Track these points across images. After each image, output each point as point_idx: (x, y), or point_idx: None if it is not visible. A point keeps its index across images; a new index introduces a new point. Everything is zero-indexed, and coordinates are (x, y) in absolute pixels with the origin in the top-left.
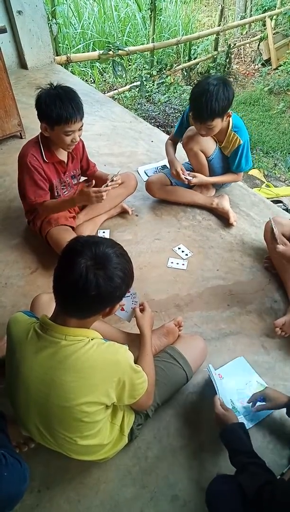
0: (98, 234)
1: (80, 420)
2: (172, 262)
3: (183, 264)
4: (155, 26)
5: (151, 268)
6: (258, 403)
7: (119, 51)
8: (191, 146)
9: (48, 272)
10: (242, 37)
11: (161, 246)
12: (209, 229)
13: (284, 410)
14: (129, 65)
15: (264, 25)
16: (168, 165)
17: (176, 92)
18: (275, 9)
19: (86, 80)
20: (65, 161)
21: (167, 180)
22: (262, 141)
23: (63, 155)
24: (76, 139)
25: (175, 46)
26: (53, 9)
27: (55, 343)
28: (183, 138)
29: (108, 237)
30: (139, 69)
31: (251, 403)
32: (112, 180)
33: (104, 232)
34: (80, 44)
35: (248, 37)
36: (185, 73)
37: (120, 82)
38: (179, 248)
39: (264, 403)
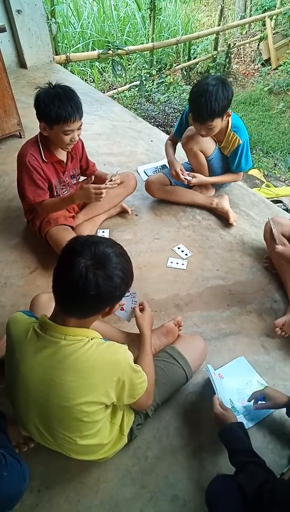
0: (98, 234)
1: (80, 419)
2: (171, 262)
3: (182, 264)
4: (155, 26)
5: (151, 268)
6: (259, 402)
7: (119, 50)
8: (190, 146)
9: (47, 271)
10: (242, 37)
11: (160, 246)
12: (209, 229)
13: (284, 410)
14: (129, 64)
15: (264, 25)
16: (167, 165)
17: (176, 91)
18: (275, 9)
19: (85, 80)
20: (64, 160)
21: (166, 180)
22: (262, 141)
23: (62, 155)
24: (75, 138)
25: (174, 46)
26: (52, 8)
27: (55, 342)
28: (183, 138)
29: (107, 236)
30: (139, 69)
31: (251, 402)
32: (111, 180)
33: (103, 231)
34: (79, 43)
35: (248, 37)
36: (185, 73)
37: (119, 81)
38: (178, 248)
39: (264, 402)
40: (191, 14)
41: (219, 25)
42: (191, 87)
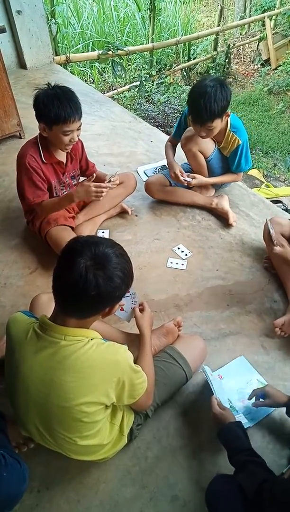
0: (98, 234)
1: (80, 420)
2: (171, 262)
3: (182, 264)
4: (155, 26)
5: (151, 268)
6: (260, 399)
7: (119, 51)
8: (189, 147)
9: (47, 272)
10: (241, 37)
11: (160, 246)
12: (208, 229)
13: (283, 410)
14: (129, 65)
15: (263, 25)
16: (167, 166)
17: (176, 92)
18: (274, 9)
19: (85, 80)
20: (64, 161)
21: (166, 181)
22: (261, 141)
23: (62, 156)
24: (74, 139)
25: (174, 46)
26: (52, 9)
27: (55, 343)
28: (182, 139)
29: (107, 237)
30: (139, 69)
31: (252, 399)
32: (110, 181)
33: (103, 232)
34: (79, 44)
35: (248, 37)
36: (185, 73)
37: (119, 82)
38: (178, 248)
39: (264, 399)
40: (190, 14)
41: (218, 25)
42: (190, 87)
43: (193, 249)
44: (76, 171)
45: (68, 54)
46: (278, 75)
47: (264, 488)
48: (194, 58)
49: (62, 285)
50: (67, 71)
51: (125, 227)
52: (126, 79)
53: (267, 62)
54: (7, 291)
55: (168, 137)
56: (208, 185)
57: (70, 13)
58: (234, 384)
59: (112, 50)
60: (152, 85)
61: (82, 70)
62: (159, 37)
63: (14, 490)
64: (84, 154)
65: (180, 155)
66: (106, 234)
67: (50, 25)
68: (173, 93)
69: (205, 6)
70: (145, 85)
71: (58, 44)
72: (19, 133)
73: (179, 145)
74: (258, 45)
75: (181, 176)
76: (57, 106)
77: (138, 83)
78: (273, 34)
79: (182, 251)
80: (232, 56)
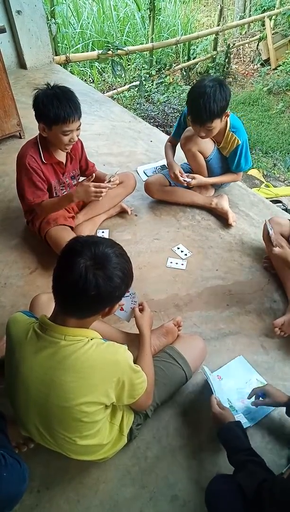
0: (97, 234)
1: (80, 420)
2: (171, 262)
3: (182, 264)
4: (154, 26)
5: (151, 268)
6: (259, 398)
7: (118, 50)
8: (189, 147)
9: (47, 272)
10: (241, 37)
11: (160, 246)
12: (208, 229)
13: (283, 410)
14: (128, 64)
15: (263, 25)
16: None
17: (175, 92)
18: (274, 9)
19: (85, 80)
20: (64, 162)
21: (166, 181)
22: (261, 141)
23: (61, 156)
24: (74, 138)
25: (174, 46)
26: (52, 9)
27: (55, 343)
28: (181, 139)
29: (107, 237)
30: (138, 69)
31: (251, 398)
32: (109, 181)
33: (103, 232)
34: (79, 44)
35: (247, 37)
36: (184, 73)
37: (119, 81)
38: (178, 248)
39: (264, 399)
40: (190, 14)
41: (218, 25)
42: (190, 87)
43: (193, 249)
44: (75, 171)
45: (68, 54)
46: (278, 75)
47: (264, 488)
48: (194, 58)
49: (62, 285)
50: (67, 71)
51: (125, 227)
52: (125, 79)
53: (266, 62)
54: (7, 291)
55: (167, 136)
56: (208, 185)
57: (70, 13)
58: (233, 384)
59: (111, 50)
60: (152, 84)
61: (82, 70)
62: (158, 36)
63: (14, 490)
64: (83, 154)
65: (180, 155)
66: (105, 234)
67: (50, 25)
68: (173, 92)
69: (204, 6)
70: (145, 84)
71: (58, 44)
72: (19, 133)
73: (178, 145)
74: (257, 45)
75: (181, 176)
76: (56, 106)
77: (137, 82)
78: (272, 34)
79: (181, 251)
80: (231, 56)
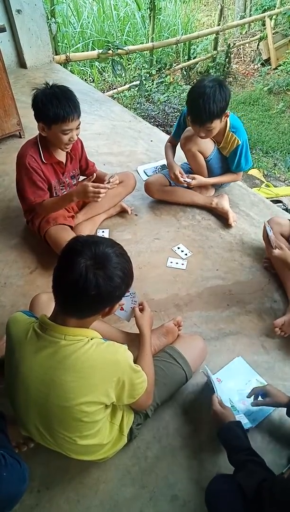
0: (97, 234)
1: (80, 420)
2: (171, 262)
3: (182, 264)
4: (155, 25)
5: (151, 267)
6: (259, 398)
7: (119, 50)
8: (189, 147)
9: (47, 271)
10: (241, 37)
11: (160, 246)
12: (208, 229)
13: (284, 410)
14: (129, 64)
15: (263, 24)
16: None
17: (176, 91)
18: (274, 9)
19: (85, 79)
20: (64, 161)
21: (166, 181)
22: (261, 141)
23: (61, 156)
24: (73, 138)
25: (174, 46)
26: (52, 8)
27: (55, 343)
28: (181, 139)
29: (107, 236)
30: (139, 68)
31: (251, 397)
32: (109, 182)
33: (103, 231)
34: (79, 43)
35: (248, 36)
36: (185, 73)
37: (119, 81)
38: (178, 248)
39: (264, 398)
40: (191, 13)
41: (219, 25)
42: (190, 86)
43: (193, 248)
44: (76, 170)
45: (68, 53)
46: (278, 75)
47: (264, 488)
48: (194, 58)
49: (62, 285)
50: (67, 70)
51: (125, 226)
52: (126, 78)
53: (267, 61)
54: (7, 291)
55: (168, 136)
56: (208, 185)
57: (70, 12)
58: (233, 385)
59: (112, 49)
60: (152, 84)
61: (82, 69)
62: (159, 36)
63: (14, 490)
64: (83, 153)
65: (180, 155)
66: (106, 234)
67: (50, 24)
68: (173, 92)
69: (205, 6)
70: (145, 84)
71: (58, 43)
72: (19, 133)
73: (178, 145)
74: (258, 44)
75: (181, 177)
76: (55, 105)
77: (138, 82)
78: (273, 34)
79: (182, 251)
80: (232, 55)
